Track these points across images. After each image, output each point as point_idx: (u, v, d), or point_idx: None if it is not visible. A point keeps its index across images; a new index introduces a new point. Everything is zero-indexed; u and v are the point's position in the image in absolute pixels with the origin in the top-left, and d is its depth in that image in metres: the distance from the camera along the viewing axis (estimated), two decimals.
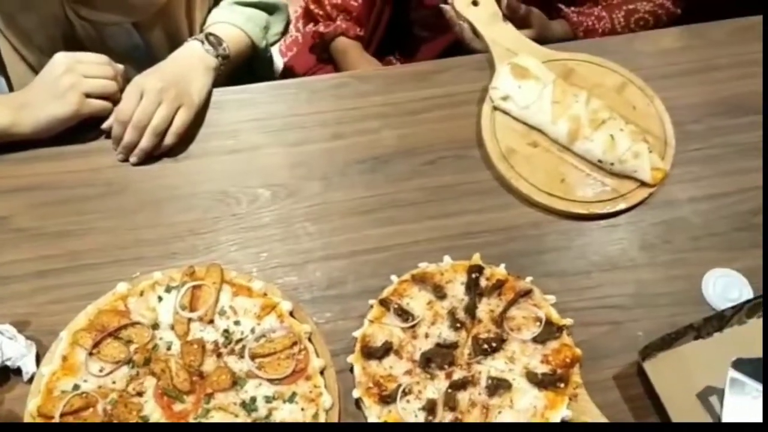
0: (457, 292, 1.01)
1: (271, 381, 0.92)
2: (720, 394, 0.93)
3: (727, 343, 0.97)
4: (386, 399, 0.92)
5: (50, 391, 0.90)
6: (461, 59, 1.30)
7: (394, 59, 1.66)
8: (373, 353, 0.95)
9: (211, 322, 0.96)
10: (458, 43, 1.36)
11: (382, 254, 1.07)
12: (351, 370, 0.95)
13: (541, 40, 1.30)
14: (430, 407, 0.91)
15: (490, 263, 1.03)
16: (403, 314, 0.98)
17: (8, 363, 0.93)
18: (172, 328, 0.96)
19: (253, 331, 0.96)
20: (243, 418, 0.90)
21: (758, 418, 0.91)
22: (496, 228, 1.10)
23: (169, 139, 1.14)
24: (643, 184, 1.13)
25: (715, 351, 0.97)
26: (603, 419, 0.92)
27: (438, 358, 0.95)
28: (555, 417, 0.91)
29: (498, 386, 0.93)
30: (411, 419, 0.91)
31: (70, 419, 0.89)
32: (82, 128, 1.14)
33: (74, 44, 1.22)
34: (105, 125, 1.15)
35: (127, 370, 0.93)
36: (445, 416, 0.91)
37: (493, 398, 0.93)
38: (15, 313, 0.99)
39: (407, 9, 1.59)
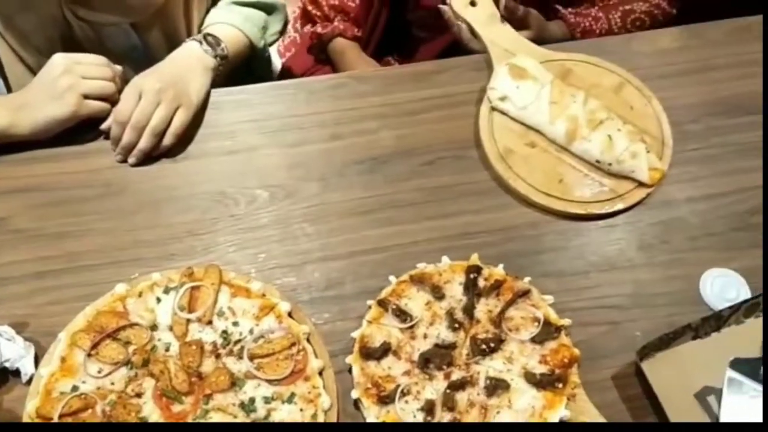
0: (455, 292, 1.01)
1: (269, 382, 0.92)
2: (718, 393, 0.94)
3: (725, 343, 0.98)
4: (385, 399, 0.92)
5: (49, 392, 0.90)
6: (459, 60, 1.30)
7: (392, 60, 1.66)
8: (371, 354, 0.95)
9: (210, 323, 0.97)
10: (456, 44, 1.36)
11: (380, 255, 1.07)
12: (349, 370, 0.95)
13: (539, 41, 1.30)
14: (429, 408, 0.91)
15: (488, 263, 1.03)
16: (402, 315, 0.98)
17: (7, 364, 0.93)
18: (171, 329, 0.96)
19: (251, 331, 0.96)
20: (242, 418, 0.90)
21: (756, 418, 0.91)
22: (495, 228, 1.10)
23: (167, 140, 1.14)
24: (641, 184, 1.13)
25: (712, 351, 0.97)
26: (601, 419, 0.93)
27: (436, 358, 0.95)
28: (553, 417, 0.91)
29: (496, 386, 0.93)
30: (409, 420, 0.91)
31: (68, 420, 0.89)
32: (81, 129, 1.14)
33: (72, 45, 1.22)
34: (104, 126, 1.15)
35: (125, 371, 0.93)
36: (443, 416, 0.91)
37: (492, 398, 0.93)
38: (13, 314, 0.99)
39: (405, 10, 1.59)
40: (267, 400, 0.91)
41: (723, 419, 0.92)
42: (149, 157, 1.14)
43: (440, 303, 1.00)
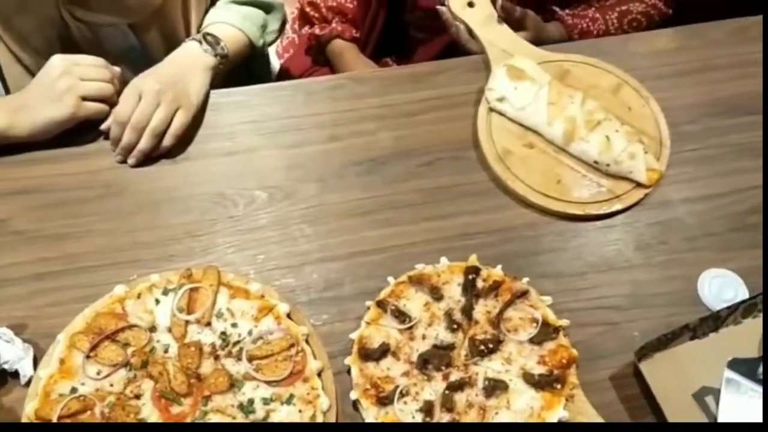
0: (453, 293, 1.01)
1: (268, 383, 0.92)
2: (716, 394, 0.94)
3: (723, 344, 0.98)
4: (383, 400, 0.92)
5: (48, 394, 0.90)
6: (457, 61, 1.30)
7: (390, 61, 1.66)
8: (370, 355, 0.95)
9: (209, 324, 0.97)
10: (454, 45, 1.36)
11: (378, 256, 1.07)
12: (348, 371, 0.95)
13: (537, 42, 1.30)
14: (428, 408, 0.91)
15: (486, 264, 1.03)
16: (400, 316, 0.98)
17: (6, 366, 0.93)
18: (170, 330, 0.96)
19: (250, 333, 0.96)
20: (240, 420, 0.90)
21: (754, 418, 0.92)
22: (493, 229, 1.10)
23: (167, 141, 1.14)
24: (639, 184, 1.13)
25: (710, 351, 0.97)
26: (599, 419, 0.93)
27: (435, 359, 0.95)
28: (552, 417, 0.92)
29: (495, 387, 0.93)
30: (408, 420, 0.91)
31: (67, 422, 0.89)
32: (79, 131, 1.14)
33: (70, 46, 1.22)
34: (104, 126, 1.15)
35: (124, 372, 0.93)
36: (442, 417, 0.92)
37: (490, 399, 0.93)
38: (12, 316, 1.00)
39: (402, 11, 1.59)
40: (266, 402, 0.91)
41: (721, 419, 0.92)
42: (149, 158, 1.14)
43: (439, 304, 1.00)
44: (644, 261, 1.08)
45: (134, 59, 1.30)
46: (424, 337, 0.97)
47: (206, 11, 1.35)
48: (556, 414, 0.92)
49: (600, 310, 1.03)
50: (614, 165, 1.12)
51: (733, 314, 0.98)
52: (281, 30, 1.44)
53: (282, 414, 0.90)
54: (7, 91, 1.27)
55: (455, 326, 0.98)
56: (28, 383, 0.93)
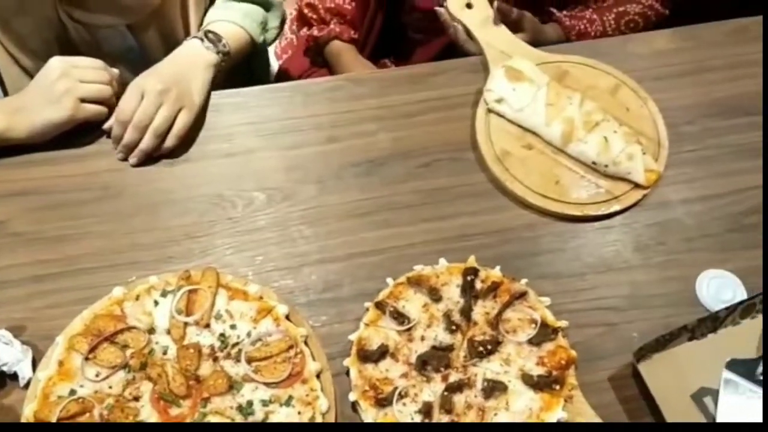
0: (452, 294, 1.01)
1: (267, 385, 0.92)
2: (714, 394, 0.94)
3: (721, 344, 0.98)
4: (382, 402, 0.92)
5: (47, 396, 0.90)
6: (455, 62, 1.30)
7: (388, 62, 1.66)
8: (369, 356, 0.95)
9: (207, 326, 0.97)
10: (452, 46, 1.36)
11: (377, 257, 1.07)
12: (347, 373, 0.95)
13: (534, 44, 1.30)
14: (427, 410, 0.91)
15: (485, 265, 1.03)
16: (399, 317, 0.98)
17: (4, 368, 0.93)
18: (168, 332, 0.96)
19: (249, 334, 0.96)
20: (239, 422, 0.90)
21: (752, 418, 0.92)
22: (491, 230, 1.10)
23: (170, 141, 1.14)
24: (637, 185, 1.13)
25: (709, 352, 0.98)
26: (598, 420, 0.93)
27: (434, 360, 0.95)
28: (550, 418, 0.92)
29: (494, 388, 0.93)
30: (407, 422, 0.91)
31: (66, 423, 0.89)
32: (78, 132, 1.14)
33: (68, 47, 1.22)
34: (106, 125, 1.15)
35: (123, 374, 0.93)
36: (441, 419, 0.92)
37: (489, 400, 0.93)
38: (11, 318, 0.99)
39: (400, 12, 1.59)
40: (265, 403, 0.91)
41: (719, 420, 0.92)
42: (150, 158, 1.14)
43: (437, 305, 1.00)
44: (643, 262, 1.08)
45: (133, 60, 1.30)
46: (422, 338, 0.97)
47: (206, 11, 1.34)
48: (555, 415, 0.92)
49: (598, 311, 1.04)
50: (612, 166, 1.13)
51: (732, 315, 0.99)
52: (281, 27, 1.44)
53: (281, 415, 0.91)
54: (5, 93, 1.27)
55: (454, 327, 0.98)
56: (26, 385, 0.93)
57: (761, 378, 0.94)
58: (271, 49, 1.72)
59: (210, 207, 1.11)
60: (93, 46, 1.26)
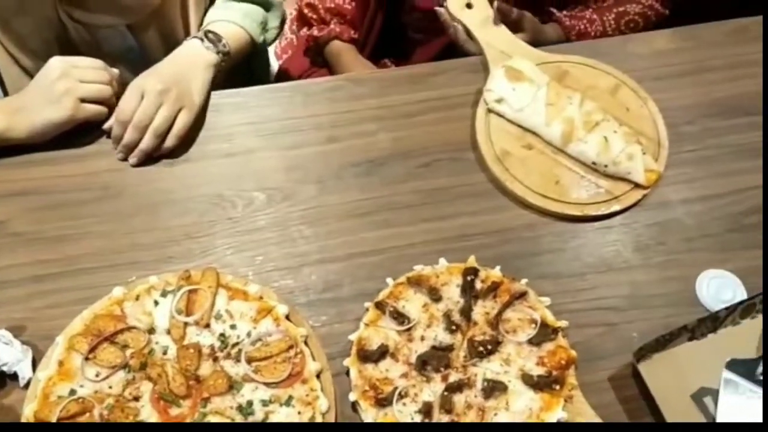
0: (452, 294, 1.01)
1: (267, 385, 0.92)
2: (714, 394, 0.94)
3: (721, 344, 0.98)
4: (382, 402, 0.92)
5: (47, 396, 0.90)
6: (455, 62, 1.30)
7: (388, 62, 1.66)
8: (369, 356, 0.95)
9: (207, 326, 0.97)
10: (452, 46, 1.36)
11: (377, 257, 1.07)
12: (347, 373, 0.95)
13: (535, 44, 1.30)
14: (427, 410, 0.91)
15: (485, 265, 1.03)
16: (399, 317, 0.98)
17: (4, 368, 0.93)
18: (168, 332, 0.96)
19: (249, 334, 0.96)
20: (239, 422, 0.90)
21: (752, 418, 0.92)
22: (491, 230, 1.10)
23: (170, 141, 1.14)
24: (637, 185, 1.13)
25: (709, 352, 0.98)
26: (598, 420, 0.93)
27: (434, 360, 0.95)
28: (550, 418, 0.92)
29: (494, 388, 0.93)
30: (407, 422, 0.91)
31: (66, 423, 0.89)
32: (77, 132, 1.14)
33: (68, 47, 1.22)
34: (106, 125, 1.15)
35: (123, 374, 0.93)
36: (441, 419, 0.92)
37: (489, 400, 0.93)
38: (11, 318, 0.99)
39: (400, 12, 1.59)
40: (265, 403, 0.91)
41: (719, 420, 0.92)
42: (150, 158, 1.14)
43: (437, 305, 1.00)
44: (643, 262, 1.08)
45: (133, 60, 1.30)
46: (422, 338, 0.97)
47: (206, 11, 1.34)
48: (555, 415, 0.92)
49: (598, 311, 1.04)
50: (612, 166, 1.13)
51: (732, 315, 0.99)
52: (281, 27, 1.44)
53: (281, 415, 0.91)
54: (5, 93, 1.27)
55: (454, 327, 0.98)
56: (27, 385, 0.93)
57: (761, 378, 0.94)
58: (270, 49, 1.72)
59: (210, 207, 1.11)
60: (93, 46, 1.26)
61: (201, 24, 1.33)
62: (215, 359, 0.95)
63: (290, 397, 0.92)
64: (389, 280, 1.02)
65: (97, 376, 0.92)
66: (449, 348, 0.97)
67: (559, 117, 1.16)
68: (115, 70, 1.17)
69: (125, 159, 1.14)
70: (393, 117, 1.21)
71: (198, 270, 1.01)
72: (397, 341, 0.97)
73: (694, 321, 0.96)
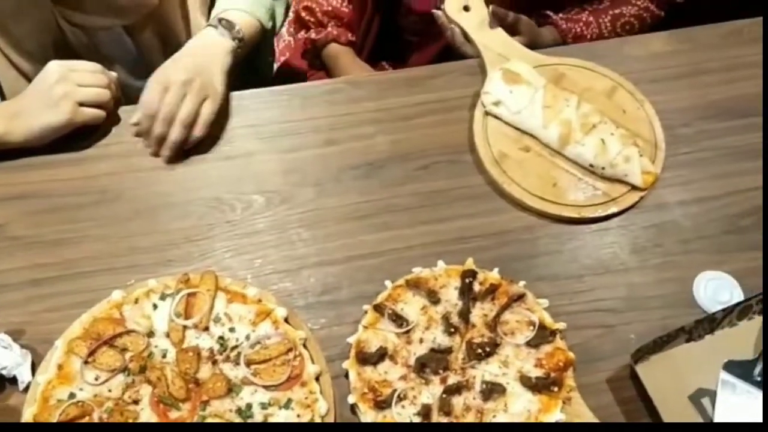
0: (450, 296, 1.01)
1: (266, 387, 0.93)
2: (712, 395, 0.95)
3: (719, 346, 0.99)
4: (381, 404, 0.92)
5: (46, 399, 0.90)
6: (453, 65, 1.30)
7: (386, 65, 1.67)
8: (368, 359, 0.95)
9: (206, 329, 0.97)
10: (449, 49, 1.36)
11: (376, 260, 1.07)
12: (346, 375, 0.96)
13: (532, 47, 1.30)
14: (425, 412, 0.92)
15: (483, 268, 1.04)
16: (398, 319, 0.98)
17: (3, 372, 0.93)
18: (168, 335, 0.96)
19: (248, 337, 0.96)
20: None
21: (749, 419, 0.92)
22: (489, 232, 1.11)
23: (198, 131, 1.13)
24: (634, 187, 1.14)
25: (706, 353, 0.98)
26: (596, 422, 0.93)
27: (432, 363, 0.95)
28: (549, 420, 0.92)
29: (492, 390, 0.94)
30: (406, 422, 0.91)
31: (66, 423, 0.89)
32: (76, 136, 1.14)
33: (66, 50, 1.22)
34: (133, 120, 1.13)
35: (122, 378, 0.93)
36: (439, 421, 0.92)
37: (488, 402, 0.93)
38: (10, 321, 1.00)
39: (397, 15, 1.60)
40: (264, 406, 0.92)
41: (717, 421, 0.93)
42: (181, 150, 1.14)
43: (436, 307, 1.00)
44: (640, 264, 1.09)
45: (131, 62, 1.30)
46: (421, 340, 0.98)
47: (209, 10, 1.33)
48: (554, 417, 0.92)
49: (596, 313, 1.04)
50: (609, 168, 1.13)
51: (729, 316, 0.99)
52: (286, 14, 1.42)
53: (280, 418, 0.91)
54: (3, 96, 1.27)
55: (452, 330, 0.98)
56: (26, 389, 0.93)
57: (758, 379, 0.95)
58: None
59: (208, 210, 1.11)
60: (91, 48, 1.26)
61: (203, 22, 1.32)
62: (214, 362, 0.95)
63: (289, 400, 0.92)
64: (388, 283, 1.02)
65: (96, 379, 0.92)
66: (448, 350, 0.97)
67: (557, 119, 1.16)
68: (114, 74, 1.17)
69: (157, 154, 1.14)
70: (391, 120, 1.22)
71: (197, 273, 1.01)
72: (395, 344, 0.97)
73: (692, 322, 0.97)
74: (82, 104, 1.11)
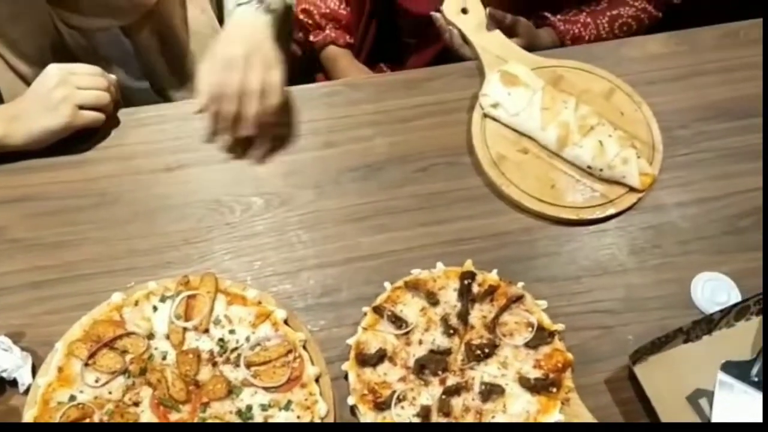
0: (449, 298, 1.02)
1: (266, 389, 0.93)
2: (709, 396, 0.95)
3: (716, 346, 0.99)
4: (381, 406, 0.92)
5: (47, 402, 0.90)
6: (451, 67, 1.31)
7: (384, 67, 1.67)
8: (367, 360, 0.96)
9: (206, 331, 0.97)
10: (447, 52, 1.37)
11: (375, 261, 1.08)
12: (346, 377, 0.96)
13: (530, 48, 1.31)
14: (425, 413, 0.92)
15: (482, 269, 1.04)
16: (397, 321, 0.99)
17: (4, 374, 0.93)
18: (168, 337, 0.96)
19: (248, 339, 0.96)
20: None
21: (747, 420, 0.93)
22: (488, 234, 1.11)
23: (274, 98, 1.10)
24: (632, 189, 1.14)
25: (704, 354, 0.99)
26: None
27: (432, 364, 0.96)
28: (548, 421, 0.92)
29: (491, 391, 0.94)
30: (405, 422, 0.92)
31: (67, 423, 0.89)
32: (75, 139, 1.14)
33: (63, 53, 1.22)
34: (196, 108, 1.12)
35: (123, 380, 0.93)
36: (439, 422, 0.92)
37: (487, 403, 0.94)
38: (10, 324, 1.00)
39: (394, 17, 1.60)
40: (264, 408, 0.92)
41: (715, 421, 0.93)
42: (255, 127, 1.11)
43: (435, 309, 1.01)
44: (638, 265, 1.09)
45: (129, 64, 1.30)
46: (420, 342, 0.98)
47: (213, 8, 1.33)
48: (552, 417, 0.93)
49: (594, 314, 1.04)
50: (607, 170, 1.13)
51: (726, 317, 0.99)
52: None
53: (280, 420, 0.91)
54: (0, 99, 1.27)
55: (451, 331, 0.99)
56: (26, 391, 0.93)
57: (756, 379, 0.95)
58: None
59: (208, 212, 1.12)
60: (89, 50, 1.26)
61: (204, 21, 1.32)
62: (214, 364, 0.95)
63: (289, 402, 0.92)
64: (387, 285, 1.03)
65: (96, 381, 0.93)
66: (447, 351, 0.97)
67: (555, 121, 1.16)
68: (113, 76, 1.17)
69: (231, 135, 1.13)
70: (389, 122, 1.22)
71: (196, 275, 1.01)
72: (395, 345, 0.98)
73: (689, 323, 0.97)
74: (81, 107, 1.11)
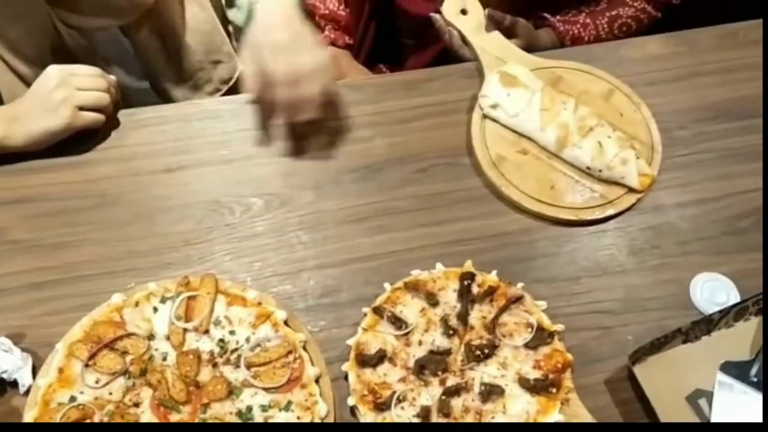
0: (449, 299, 1.02)
1: (266, 390, 0.93)
2: (709, 396, 0.95)
3: (715, 347, 0.99)
4: (381, 406, 0.93)
5: (47, 403, 0.90)
6: (451, 68, 1.31)
7: (383, 68, 1.67)
8: (367, 361, 0.96)
9: (207, 332, 0.97)
10: (446, 52, 1.37)
11: (375, 262, 1.08)
12: (345, 378, 0.96)
13: (529, 50, 1.31)
14: (425, 414, 0.92)
15: (481, 270, 1.04)
16: (397, 322, 0.99)
17: (4, 375, 0.93)
18: (168, 338, 0.97)
19: (248, 340, 0.96)
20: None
21: (747, 420, 0.93)
22: (487, 235, 1.11)
23: (324, 80, 1.10)
24: (631, 190, 1.14)
25: (703, 354, 0.99)
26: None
27: (431, 365, 0.96)
28: (547, 421, 0.92)
29: (491, 392, 0.94)
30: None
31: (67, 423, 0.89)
32: (75, 140, 1.14)
33: (63, 53, 1.22)
34: (250, 98, 1.11)
35: (123, 381, 0.93)
36: (439, 422, 0.92)
37: (487, 404, 0.94)
38: (10, 325, 1.00)
39: (394, 18, 1.60)
40: (264, 409, 0.92)
41: (714, 421, 0.93)
42: (315, 110, 1.11)
43: (435, 310, 1.01)
44: (637, 265, 1.09)
45: (129, 63, 1.30)
46: (420, 342, 0.98)
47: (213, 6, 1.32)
48: (552, 418, 0.93)
49: (594, 315, 1.05)
50: (607, 170, 1.14)
51: (725, 317, 1.00)
52: None
53: (280, 420, 0.91)
54: (0, 100, 1.27)
55: (451, 332, 0.99)
56: (27, 392, 0.93)
57: (755, 380, 0.95)
58: None
59: (208, 213, 1.12)
60: (88, 51, 1.26)
61: (204, 19, 1.31)
62: (214, 365, 0.95)
63: (289, 402, 0.92)
64: (387, 285, 1.03)
65: (97, 382, 0.93)
66: (447, 352, 0.97)
67: (554, 122, 1.17)
68: (113, 77, 1.18)
69: (290, 121, 1.13)
70: (389, 123, 1.22)
71: (197, 276, 1.01)
72: (395, 346, 0.98)
73: (689, 324, 0.97)
74: (81, 108, 1.11)
